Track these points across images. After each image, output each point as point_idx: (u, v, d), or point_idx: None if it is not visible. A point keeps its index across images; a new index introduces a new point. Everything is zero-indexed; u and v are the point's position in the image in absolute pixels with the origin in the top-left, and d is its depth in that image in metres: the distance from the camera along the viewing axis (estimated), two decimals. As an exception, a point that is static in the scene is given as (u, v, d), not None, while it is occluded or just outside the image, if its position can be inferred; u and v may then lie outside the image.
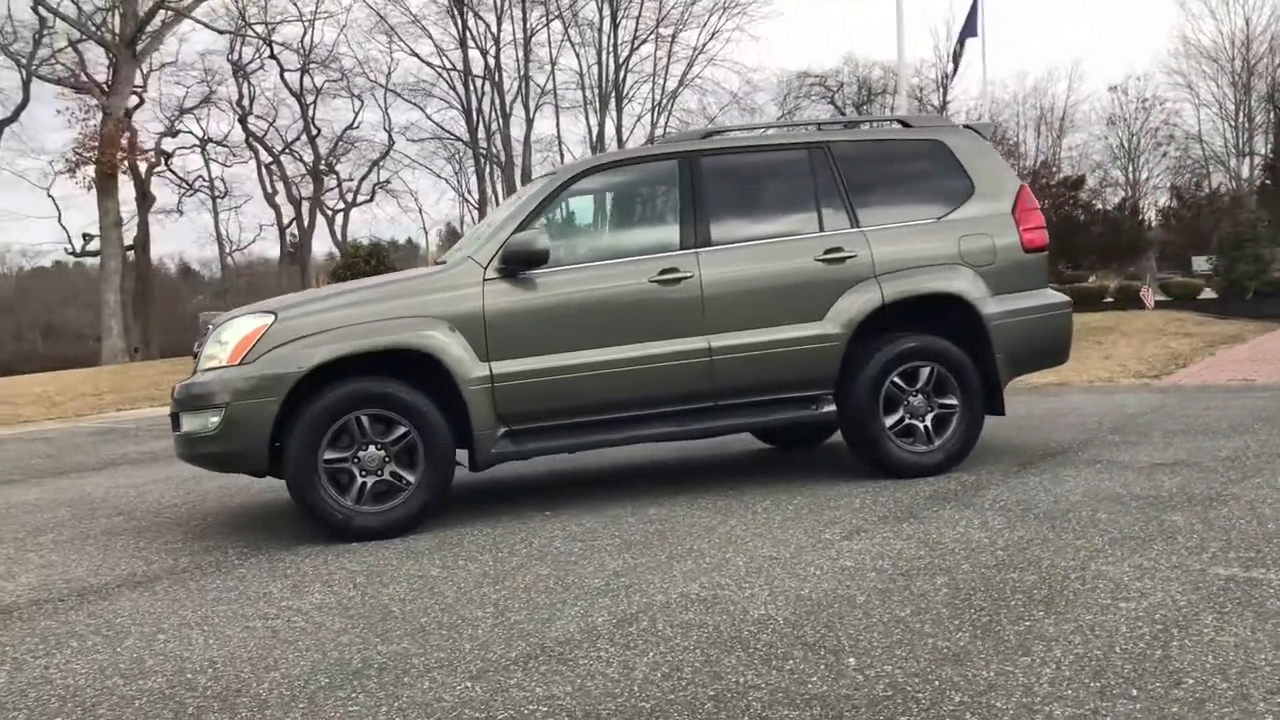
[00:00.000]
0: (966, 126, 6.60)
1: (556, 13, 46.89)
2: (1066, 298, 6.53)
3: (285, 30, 46.35)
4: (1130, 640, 3.25)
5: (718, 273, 5.86)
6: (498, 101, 47.78)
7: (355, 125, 49.40)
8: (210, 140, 45.87)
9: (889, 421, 6.04)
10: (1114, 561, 4.12)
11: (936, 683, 3.01)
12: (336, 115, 55.85)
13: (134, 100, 43.97)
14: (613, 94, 49.45)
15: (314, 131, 47.73)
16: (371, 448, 5.40)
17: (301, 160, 50.13)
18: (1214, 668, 2.99)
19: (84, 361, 35.47)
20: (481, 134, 46.82)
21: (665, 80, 52.19)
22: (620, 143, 50.22)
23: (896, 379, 6.04)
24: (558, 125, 53.47)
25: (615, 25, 49.18)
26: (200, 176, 47.97)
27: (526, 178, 44.81)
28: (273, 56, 45.88)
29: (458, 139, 48.61)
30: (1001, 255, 6.23)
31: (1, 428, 14.03)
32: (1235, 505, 4.91)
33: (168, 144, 46.20)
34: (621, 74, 49.36)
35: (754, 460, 7.23)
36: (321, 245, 57.86)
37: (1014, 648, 3.25)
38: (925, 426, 6.10)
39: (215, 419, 5.32)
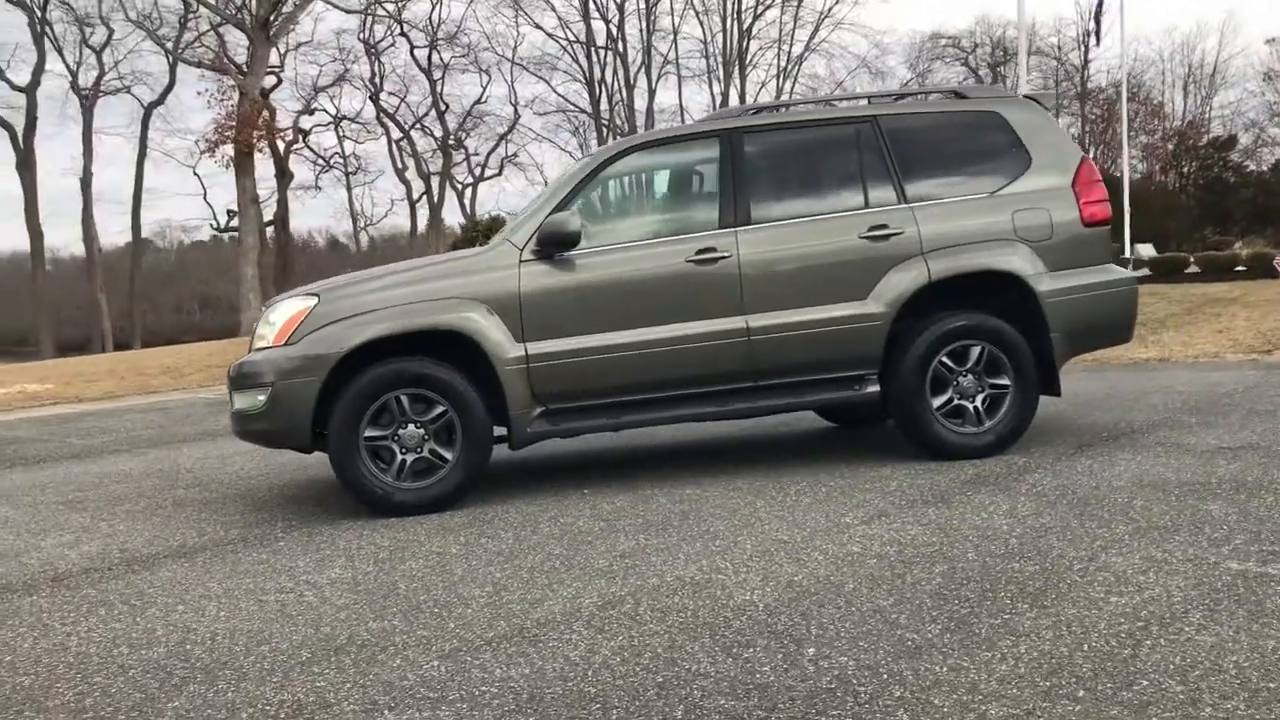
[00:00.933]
0: (1026, 97, 6.37)
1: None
2: (1131, 273, 6.28)
3: (414, 8, 47.22)
4: (1104, 637, 3.15)
5: (756, 252, 5.80)
6: (621, 72, 47.89)
7: (483, 100, 50.23)
8: (344, 118, 47.21)
9: (936, 402, 5.91)
10: (1126, 553, 3.98)
11: (885, 676, 2.97)
12: (465, 90, 56.83)
13: (271, 80, 45.66)
14: (736, 61, 49.01)
15: (443, 107, 48.69)
16: (411, 426, 5.54)
17: (432, 135, 51.22)
18: (1176, 669, 2.88)
19: (235, 333, 37.08)
20: (604, 105, 46.97)
21: (791, 46, 51.54)
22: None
23: (945, 359, 5.90)
24: (680, 94, 53.31)
25: (740, -9, 48.70)
26: (336, 153, 49.46)
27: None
28: (403, 34, 46.91)
29: (582, 111, 48.91)
30: (1059, 230, 6.01)
31: (131, 398, 14.80)
32: (1262, 495, 4.66)
33: (305, 122, 47.83)
34: (745, 41, 48.85)
35: (808, 439, 7.16)
36: (453, 219, 59.02)
37: (980, 642, 3.18)
38: (975, 407, 5.95)
39: (262, 397, 5.53)
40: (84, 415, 12.69)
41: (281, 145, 46.93)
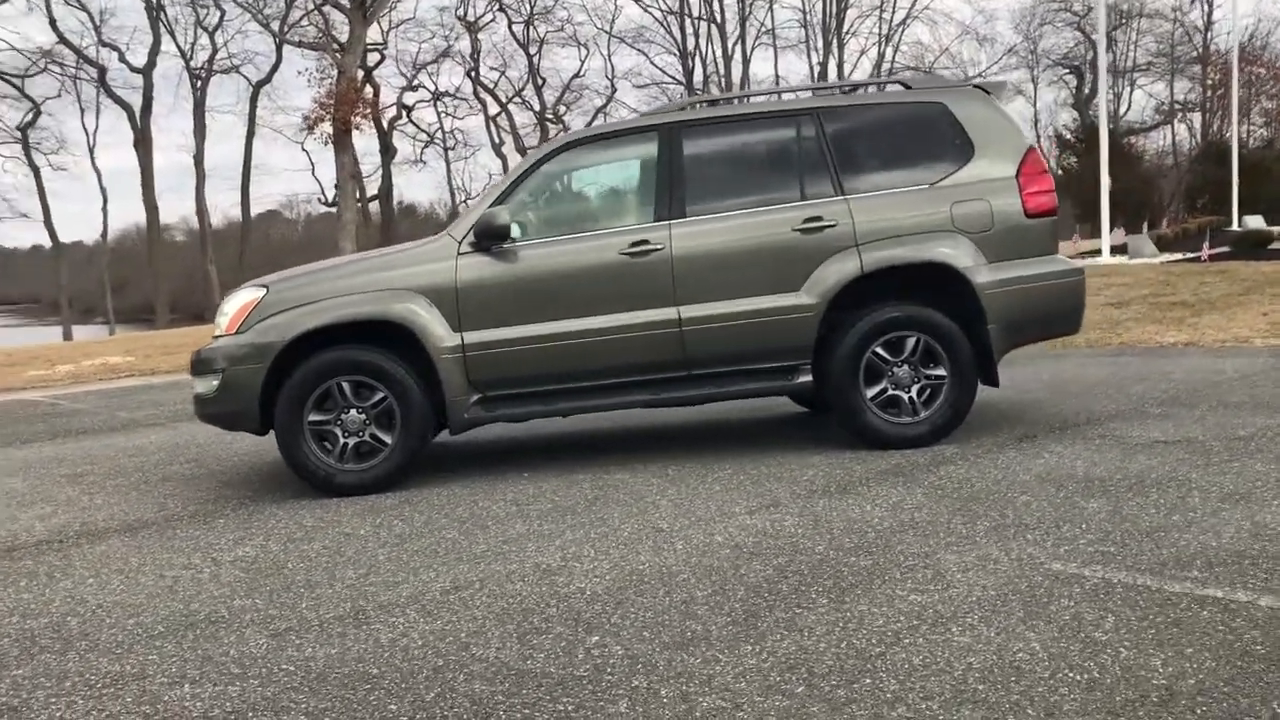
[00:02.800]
0: (975, 86, 6.33)
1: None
2: (1078, 264, 6.21)
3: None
4: (870, 635, 3.26)
5: (689, 244, 5.93)
6: (719, 42, 47.67)
7: (581, 73, 50.54)
8: (442, 94, 48.05)
9: (870, 393, 5.98)
10: (967, 550, 4.05)
11: (639, 665, 3.14)
12: (563, 65, 57.17)
13: (375, 57, 46.77)
14: (835, 30, 48.34)
15: (540, 81, 49.15)
16: (353, 411, 5.84)
17: (531, 108, 51.80)
18: (906, 670, 2.98)
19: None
20: (699, 77, 46.86)
21: (892, 13, 50.60)
22: (841, 79, 49.11)
23: (879, 349, 5.96)
24: (775, 65, 52.73)
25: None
26: (439, 129, 50.40)
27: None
28: (501, 9, 47.45)
29: (678, 82, 48.87)
30: (1000, 221, 6.00)
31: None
32: (1167, 494, 4.65)
33: (408, 98, 48.86)
34: (842, 7, 48.11)
35: (770, 425, 7.24)
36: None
37: (753, 636, 3.32)
38: (910, 398, 6.00)
39: (215, 382, 5.90)
40: (149, 388, 13.39)
41: (385, 121, 48.19)
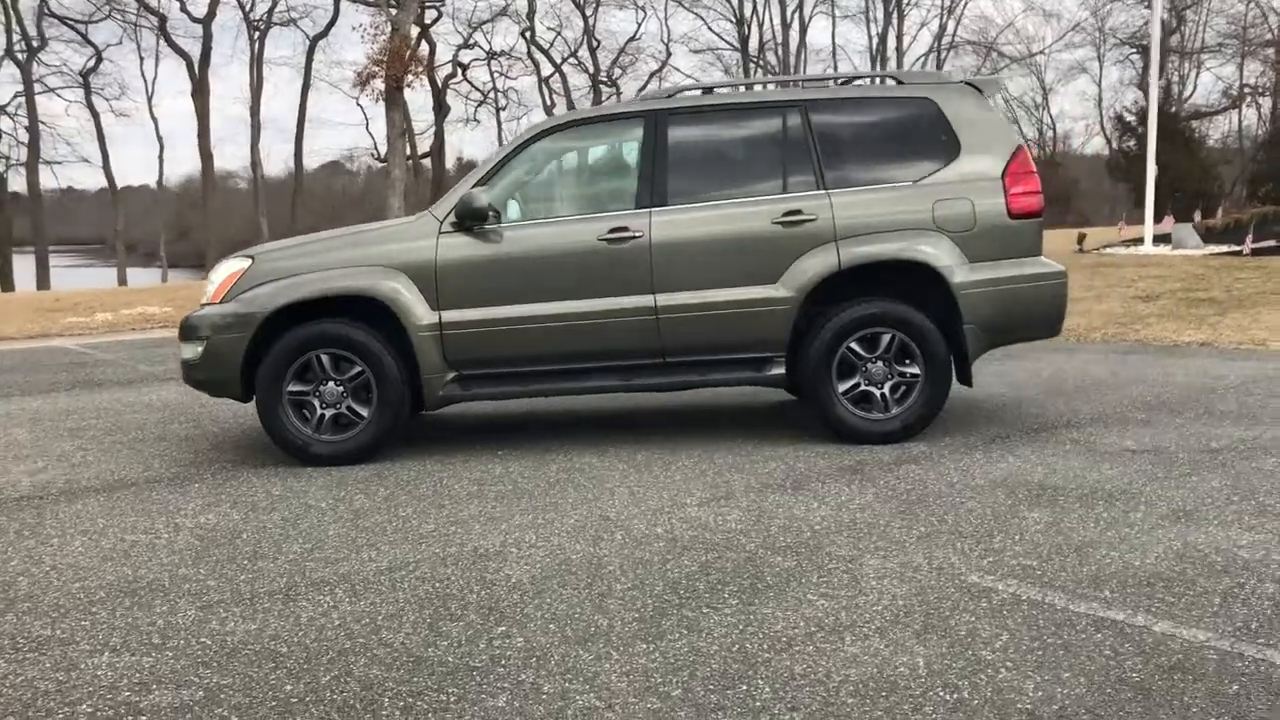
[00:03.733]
0: (966, 83, 6.28)
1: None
2: (1059, 267, 6.16)
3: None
4: (763, 640, 3.32)
5: (668, 233, 5.97)
6: (776, 8, 47.18)
7: (637, 36, 50.26)
8: (496, 54, 48.05)
9: (843, 387, 6.01)
10: (892, 556, 4.09)
11: (533, 658, 3.23)
12: (620, 27, 56.86)
13: (433, 14, 46.85)
14: (895, 1, 47.63)
15: (595, 43, 48.97)
16: (331, 383, 5.97)
17: (586, 70, 51.66)
18: (786, 679, 3.04)
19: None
20: (754, 44, 46.45)
21: (956, -16, 49.71)
22: (900, 52, 48.53)
23: (854, 345, 5.98)
24: (833, 34, 52.23)
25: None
26: (492, 88, 50.46)
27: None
28: (558, -31, 47.22)
29: (733, 48, 48.48)
30: (983, 220, 5.98)
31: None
32: (1112, 508, 4.65)
33: (464, 56, 48.93)
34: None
35: (751, 412, 7.27)
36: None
37: (653, 635, 3.39)
38: (883, 394, 6.01)
39: (200, 349, 6.05)
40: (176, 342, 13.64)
41: (440, 79, 48.33)
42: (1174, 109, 46.58)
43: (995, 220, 5.98)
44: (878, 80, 7.32)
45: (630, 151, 6.21)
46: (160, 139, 48.27)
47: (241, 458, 6.30)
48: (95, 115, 45.48)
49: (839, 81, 6.88)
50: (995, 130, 6.13)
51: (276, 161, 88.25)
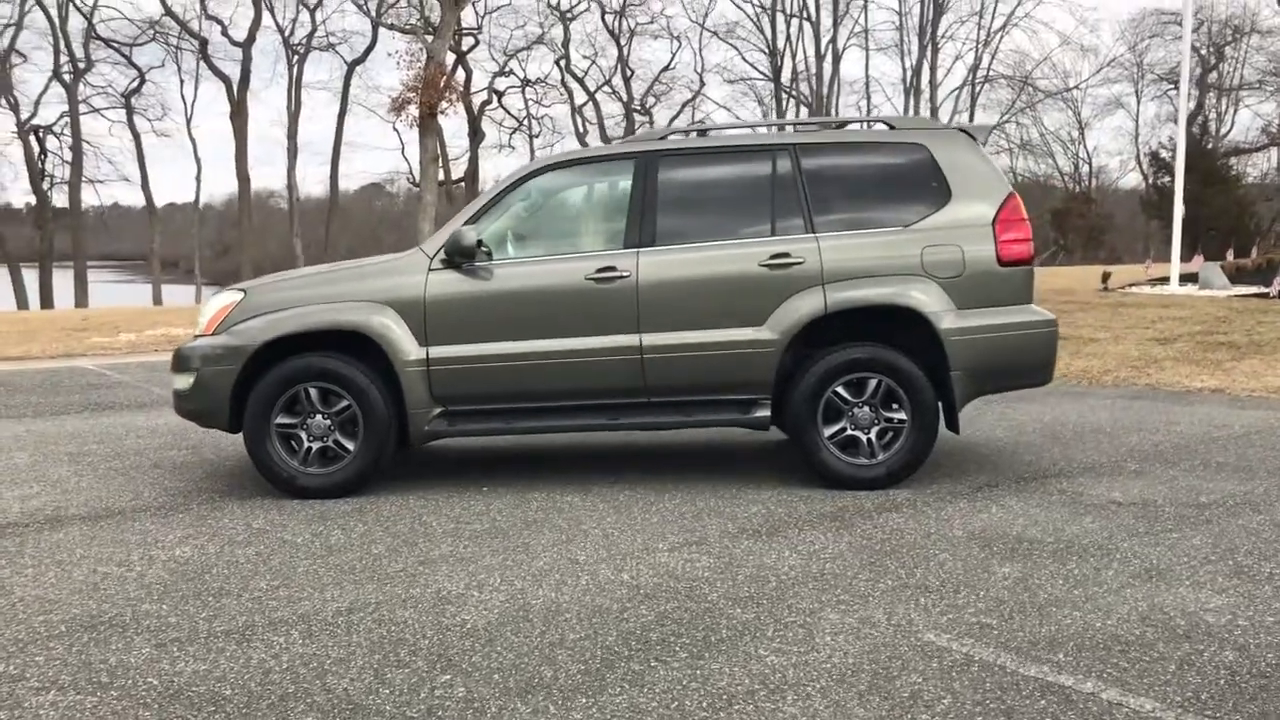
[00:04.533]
0: (959, 129, 6.26)
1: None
2: (1049, 315, 6.11)
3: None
4: (706, 700, 3.29)
5: (656, 273, 5.98)
6: (810, 40, 47.30)
7: (671, 66, 50.53)
8: (529, 82, 48.45)
9: (829, 431, 5.98)
10: (852, 610, 4.05)
11: (469, 709, 3.22)
12: (654, 57, 57.17)
13: (470, 42, 47.35)
14: (930, 34, 47.62)
15: (629, 72, 49.27)
16: (318, 416, 6.01)
17: (619, 99, 51.97)
18: (715, 740, 3.02)
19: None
20: (787, 75, 46.58)
21: (993, 20, 49.66)
22: (934, 85, 48.49)
23: (840, 389, 5.95)
24: (866, 67, 52.23)
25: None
26: (526, 115, 50.84)
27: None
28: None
29: (766, 78, 48.62)
30: (972, 267, 5.95)
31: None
32: (1085, 564, 4.58)
33: (500, 83, 49.37)
34: (939, 11, 47.37)
35: (740, 452, 7.24)
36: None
37: (595, 688, 3.37)
38: (869, 439, 5.98)
39: (191, 380, 6.11)
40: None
41: (475, 105, 48.78)
42: (1211, 145, 46.20)
43: (985, 267, 5.95)
44: (870, 125, 7.29)
45: (620, 192, 6.24)
46: (198, 159, 48.95)
47: (230, 488, 6.34)
48: (136, 135, 46.25)
49: (829, 126, 6.86)
50: (987, 177, 6.10)
51: (316, 183, 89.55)
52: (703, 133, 6.43)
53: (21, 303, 42.46)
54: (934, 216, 6.00)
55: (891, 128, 6.35)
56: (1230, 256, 28.10)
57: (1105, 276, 20.53)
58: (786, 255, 5.95)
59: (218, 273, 53.02)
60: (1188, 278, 20.92)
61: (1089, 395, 9.75)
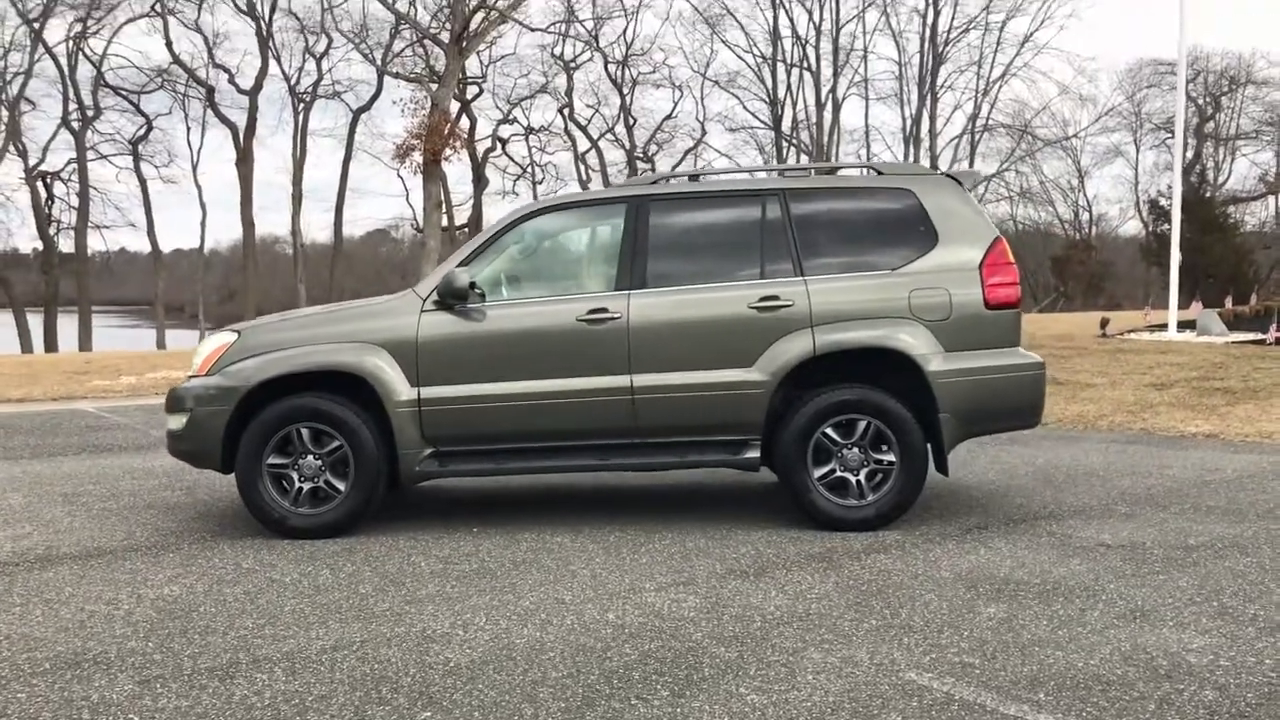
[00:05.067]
0: (945, 175, 6.34)
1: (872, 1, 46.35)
2: (1037, 358, 6.15)
3: (607, 25, 48.38)
4: (682, 735, 3.30)
5: (646, 315, 6.03)
6: (810, 89, 47.79)
7: (673, 115, 50.99)
8: (533, 130, 48.89)
9: (818, 473, 6.00)
10: (835, 650, 4.06)
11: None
12: (657, 106, 57.74)
13: (474, 90, 47.85)
14: (929, 84, 48.08)
15: (631, 121, 49.72)
16: (310, 457, 6.04)
17: (622, 146, 52.39)
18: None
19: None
20: (787, 124, 47.01)
21: (991, 69, 50.15)
22: (934, 134, 48.89)
23: (829, 431, 5.98)
24: (866, 116, 52.57)
25: (937, 12, 47.77)
26: (530, 162, 51.24)
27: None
28: (598, 49, 48.22)
29: (767, 127, 49.03)
30: (959, 310, 6.00)
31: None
32: (1071, 605, 4.59)
33: (504, 130, 49.84)
34: (938, 61, 47.87)
35: (733, 494, 7.24)
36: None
37: (572, 726, 3.38)
38: (858, 480, 6.00)
39: (184, 420, 6.15)
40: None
41: (479, 152, 49.21)
42: (1209, 194, 46.48)
43: (972, 310, 6.00)
44: (860, 170, 7.38)
45: (612, 235, 6.31)
46: (203, 205, 49.49)
47: (222, 528, 6.36)
48: (143, 182, 46.61)
49: (830, 171, 6.94)
50: (973, 222, 6.17)
51: (321, 229, 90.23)
52: (694, 177, 6.49)
53: (26, 347, 42.61)
54: (921, 260, 6.06)
55: (879, 173, 6.43)
56: (1229, 303, 28.16)
57: (1104, 322, 20.58)
58: (776, 298, 6.00)
59: (222, 317, 53.21)
60: (1186, 324, 20.98)
61: (1083, 440, 9.76)
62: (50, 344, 43.31)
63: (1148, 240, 47.16)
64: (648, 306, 6.04)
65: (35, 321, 44.46)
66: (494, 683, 3.77)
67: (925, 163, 49.16)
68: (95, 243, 47.33)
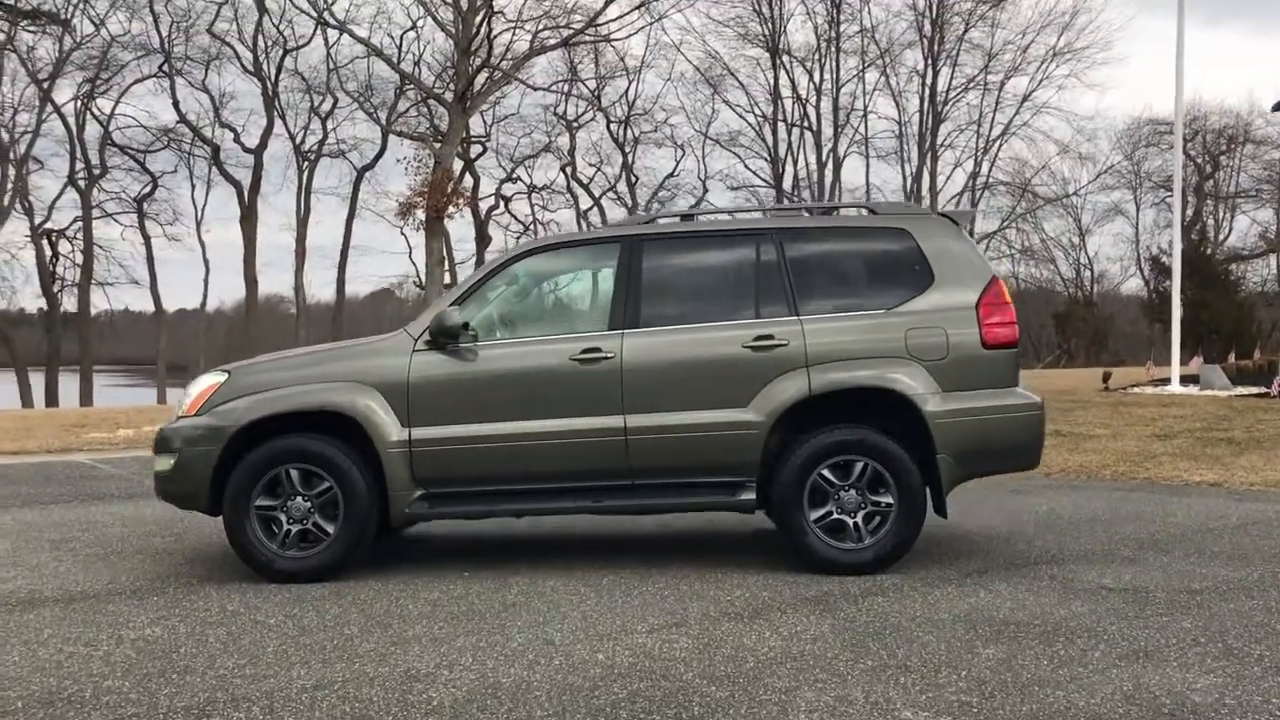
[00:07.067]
0: (941, 214, 6.32)
1: (873, 60, 46.86)
2: (1036, 398, 6.08)
3: (609, 85, 48.89)
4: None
5: (640, 355, 5.97)
6: (811, 148, 48.19)
7: (675, 173, 51.34)
8: (535, 188, 49.23)
9: (815, 515, 5.90)
10: (829, 689, 3.95)
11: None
12: (658, 164, 58.16)
13: (478, 149, 48.29)
14: (930, 144, 48.45)
15: (633, 179, 50.10)
16: (299, 498, 5.95)
17: (624, 205, 52.71)
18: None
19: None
20: (788, 182, 47.34)
21: (991, 128, 50.52)
22: (934, 192, 49.17)
23: (825, 472, 5.89)
24: (867, 174, 52.59)
25: (936, 72, 48.27)
26: (533, 220, 51.52)
27: (829, 227, 44.94)
28: (600, 110, 48.70)
29: (769, 185, 49.32)
30: (956, 350, 5.94)
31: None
32: (1072, 646, 4.48)
33: (506, 189, 50.20)
34: (938, 121, 48.29)
35: (730, 538, 7.12)
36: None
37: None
38: (856, 523, 5.89)
39: (172, 461, 6.07)
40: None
41: (482, 210, 49.53)
42: (1211, 251, 46.61)
43: (969, 350, 5.94)
44: (854, 210, 7.35)
45: (606, 274, 6.26)
46: (206, 263, 49.53)
47: (209, 573, 6.25)
48: (147, 240, 46.82)
49: (824, 211, 6.92)
50: (969, 261, 6.13)
51: (324, 284, 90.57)
52: (687, 217, 6.48)
53: (27, 404, 42.56)
54: (917, 300, 6.02)
55: (874, 213, 6.41)
56: (1232, 359, 28.09)
57: (1106, 376, 20.51)
58: (771, 337, 5.95)
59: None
60: (1189, 379, 20.87)
61: (1085, 488, 9.65)
62: (51, 401, 43.27)
63: (1149, 297, 47.17)
64: (641, 346, 5.99)
65: (37, 380, 44.46)
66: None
67: (926, 220, 49.32)
68: (99, 301, 47.47)
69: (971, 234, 6.34)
